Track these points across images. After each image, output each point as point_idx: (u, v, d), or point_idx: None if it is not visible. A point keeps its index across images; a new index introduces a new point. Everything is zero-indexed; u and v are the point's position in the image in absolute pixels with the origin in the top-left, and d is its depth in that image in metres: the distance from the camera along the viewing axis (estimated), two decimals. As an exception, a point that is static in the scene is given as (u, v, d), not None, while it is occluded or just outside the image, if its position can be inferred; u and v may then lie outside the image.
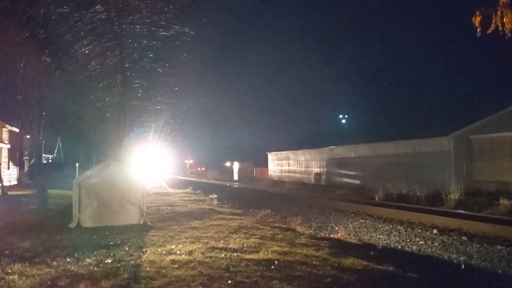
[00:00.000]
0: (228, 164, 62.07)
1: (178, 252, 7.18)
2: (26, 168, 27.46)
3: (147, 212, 11.28)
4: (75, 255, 6.84)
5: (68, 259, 6.55)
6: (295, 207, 17.93)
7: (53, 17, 14.44)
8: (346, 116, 59.17)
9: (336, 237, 10.19)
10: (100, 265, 6.28)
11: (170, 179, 37.23)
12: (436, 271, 7.32)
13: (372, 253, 8.04)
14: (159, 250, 7.37)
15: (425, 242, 10.08)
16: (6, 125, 24.51)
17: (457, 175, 20.90)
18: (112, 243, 8.08)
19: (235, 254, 7.03)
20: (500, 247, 9.14)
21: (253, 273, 5.83)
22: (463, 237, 10.40)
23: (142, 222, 10.74)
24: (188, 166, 79.21)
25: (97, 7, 15.15)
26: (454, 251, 9.02)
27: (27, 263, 6.26)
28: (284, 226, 11.40)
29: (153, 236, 8.89)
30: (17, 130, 25.69)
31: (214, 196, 19.76)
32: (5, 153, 24.43)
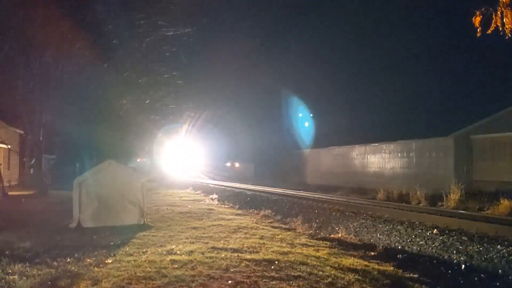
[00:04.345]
0: (228, 164, 62.01)
1: (178, 252, 7.19)
2: (26, 169, 27.49)
3: (147, 212, 11.29)
4: (76, 255, 6.86)
5: (69, 259, 6.57)
6: (295, 207, 17.91)
7: (53, 19, 14.50)
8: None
9: (337, 237, 10.18)
10: (101, 265, 6.29)
11: (170, 180, 37.18)
12: (437, 271, 7.32)
13: (372, 253, 8.05)
14: (159, 250, 7.38)
15: (425, 242, 10.08)
16: (6, 125, 24.52)
17: (457, 175, 20.86)
18: (112, 243, 8.09)
19: (235, 254, 7.04)
20: (500, 247, 9.12)
21: (253, 273, 5.84)
22: (463, 237, 10.37)
23: (142, 222, 10.74)
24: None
25: (97, 7, 15.22)
26: (455, 251, 9.01)
27: (27, 263, 6.28)
28: (284, 226, 11.39)
29: (153, 236, 8.90)
30: (17, 130, 25.73)
31: (214, 196, 19.74)
32: (5, 153, 24.44)
